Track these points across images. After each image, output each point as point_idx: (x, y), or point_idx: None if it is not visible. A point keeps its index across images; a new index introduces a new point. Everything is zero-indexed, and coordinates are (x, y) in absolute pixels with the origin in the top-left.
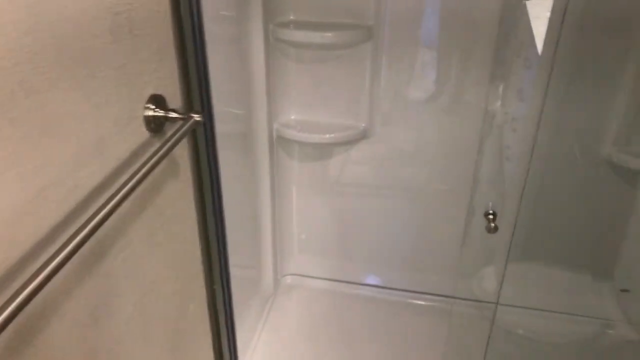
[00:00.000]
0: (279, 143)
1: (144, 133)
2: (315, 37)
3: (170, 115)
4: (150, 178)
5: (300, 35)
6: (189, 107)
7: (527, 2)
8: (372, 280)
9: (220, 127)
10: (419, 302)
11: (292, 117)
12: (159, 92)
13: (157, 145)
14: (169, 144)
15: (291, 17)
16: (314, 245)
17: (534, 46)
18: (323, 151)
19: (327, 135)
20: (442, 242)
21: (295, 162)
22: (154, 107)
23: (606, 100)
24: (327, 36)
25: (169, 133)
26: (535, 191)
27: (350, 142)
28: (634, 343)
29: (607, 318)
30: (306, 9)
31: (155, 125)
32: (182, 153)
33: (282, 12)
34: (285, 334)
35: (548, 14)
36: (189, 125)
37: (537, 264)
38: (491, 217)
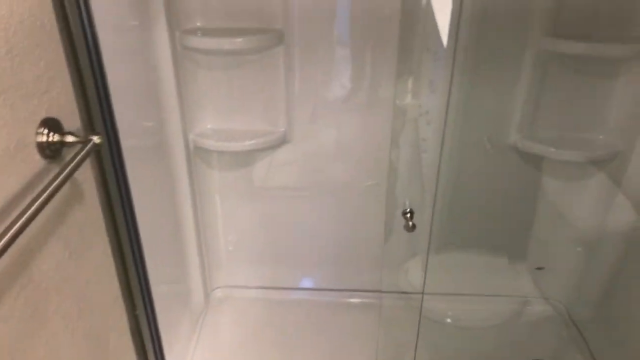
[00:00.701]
0: (197, 153)
1: (38, 161)
2: (224, 43)
3: (67, 140)
4: (49, 208)
5: (208, 42)
6: (89, 127)
7: None
8: (304, 283)
9: (130, 142)
10: (352, 300)
11: (209, 126)
12: (52, 115)
13: (55, 172)
14: (68, 169)
15: (198, 24)
16: (243, 254)
17: (440, 38)
18: (244, 158)
19: (247, 142)
20: (368, 239)
21: (216, 171)
22: (47, 132)
23: (509, 89)
24: (237, 42)
25: (68, 157)
26: (451, 181)
27: (271, 147)
28: (551, 317)
29: (525, 296)
30: (213, 15)
31: (51, 152)
32: (86, 176)
33: (188, 19)
34: (220, 349)
35: (450, 6)
36: (89, 147)
37: (457, 252)
38: (408, 215)
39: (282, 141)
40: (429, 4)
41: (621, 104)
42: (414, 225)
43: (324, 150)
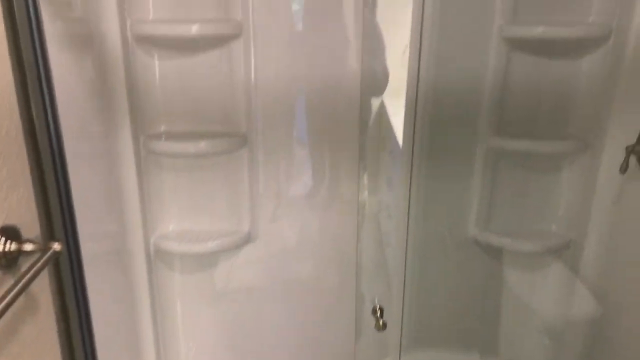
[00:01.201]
0: (158, 256)
1: None
2: (189, 147)
3: (25, 249)
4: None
5: (172, 147)
6: (49, 234)
7: (383, 99)
8: None
9: (90, 248)
10: None
11: (171, 227)
12: (10, 223)
13: (10, 283)
14: (25, 280)
15: (163, 128)
16: None
17: (396, 138)
18: (207, 260)
19: (210, 243)
20: (338, 340)
21: (177, 274)
22: (4, 240)
23: (464, 184)
24: (201, 146)
25: (25, 267)
26: (417, 276)
27: (234, 247)
28: None
29: None
30: (178, 119)
31: (6, 261)
32: (43, 287)
33: (153, 124)
34: None
35: (403, 109)
36: (49, 255)
37: (429, 350)
38: (378, 313)
39: (246, 240)
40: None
41: (567, 195)
42: (384, 324)
43: (288, 249)
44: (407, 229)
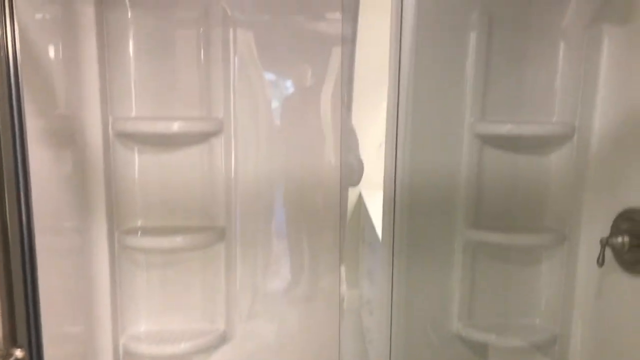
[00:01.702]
0: (127, 359)
1: None
2: (164, 242)
3: None
4: None
5: (148, 242)
6: (11, 339)
7: (362, 193)
8: None
9: (54, 354)
10: None
11: (143, 328)
12: None
13: None
14: None
15: (139, 223)
16: None
17: (375, 231)
18: None
19: (183, 345)
20: None
21: None
22: None
23: (444, 278)
24: (177, 241)
25: None
26: None
27: (209, 348)
28: None
29: None
30: (156, 214)
31: None
32: None
33: (130, 219)
34: None
35: (381, 203)
36: None
37: None
38: None
39: (222, 340)
40: (362, 201)
41: (549, 288)
42: None
43: (266, 347)
44: (390, 325)
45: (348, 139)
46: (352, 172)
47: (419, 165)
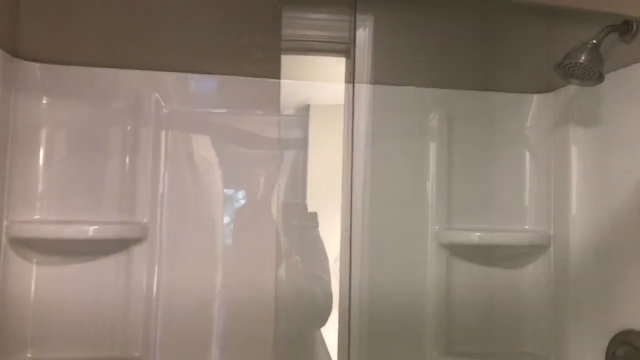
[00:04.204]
0: None
1: None
2: None
3: None
4: None
5: None
6: None
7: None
8: None
9: None
10: None
11: None
12: None
13: None
14: None
15: (28, 355)
16: None
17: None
18: None
19: None
20: None
21: None
22: None
23: None
24: None
25: None
26: None
27: None
28: None
29: None
30: (52, 343)
31: None
32: None
33: (17, 350)
34: None
35: (337, 325)
36: None
37: None
38: None
39: None
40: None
41: None
42: None
43: None
44: None
45: (312, 260)
46: (316, 309)
47: (380, 283)
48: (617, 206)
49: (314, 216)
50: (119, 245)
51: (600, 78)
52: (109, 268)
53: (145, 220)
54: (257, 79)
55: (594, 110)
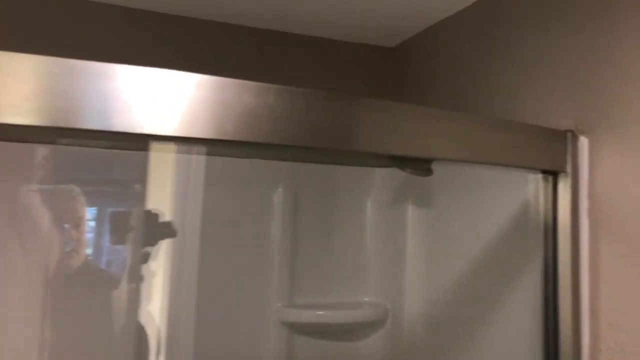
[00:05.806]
0: None
1: None
2: None
3: None
4: None
5: None
6: None
7: None
8: None
9: None
10: None
11: None
12: None
13: None
14: None
15: None
16: None
17: None
18: None
19: None
20: None
21: None
22: None
23: None
24: None
25: None
26: None
27: None
28: None
29: None
30: None
31: None
32: None
33: None
34: None
35: None
36: None
37: None
38: None
39: None
40: None
41: None
42: None
43: None
44: None
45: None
46: None
47: None
48: (445, 283)
49: None
50: None
51: (429, 172)
52: None
53: None
54: None
55: (427, 191)
